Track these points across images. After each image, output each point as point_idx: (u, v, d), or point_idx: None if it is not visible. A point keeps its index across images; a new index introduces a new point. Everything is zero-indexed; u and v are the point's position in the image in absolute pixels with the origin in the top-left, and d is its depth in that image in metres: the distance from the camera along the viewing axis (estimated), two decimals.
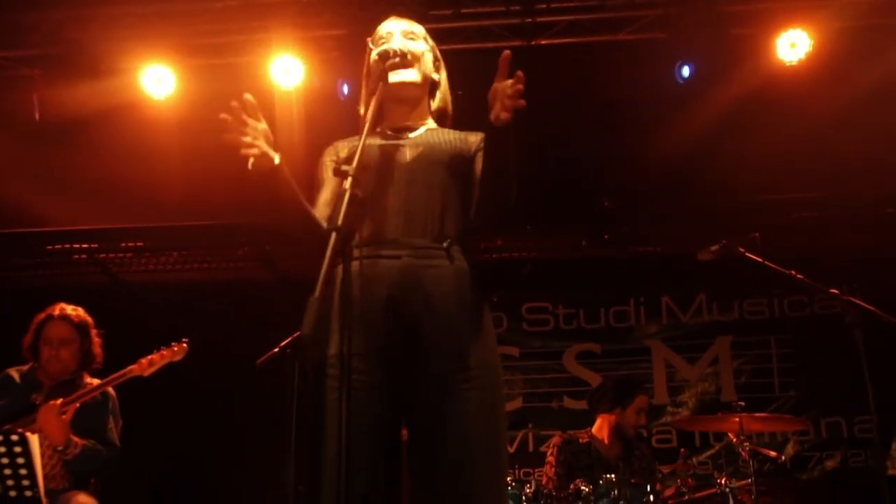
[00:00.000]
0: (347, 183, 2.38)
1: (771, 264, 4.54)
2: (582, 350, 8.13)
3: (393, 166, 2.85)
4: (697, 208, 7.24)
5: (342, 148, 3.01)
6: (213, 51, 6.67)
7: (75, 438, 4.48)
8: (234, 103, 2.69)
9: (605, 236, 7.88)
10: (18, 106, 6.68)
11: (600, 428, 6.00)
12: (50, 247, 8.09)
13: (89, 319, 4.90)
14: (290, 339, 4.53)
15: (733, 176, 6.82)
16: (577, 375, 8.01)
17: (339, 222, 2.31)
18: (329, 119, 6.50)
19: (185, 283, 8.29)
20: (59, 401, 4.46)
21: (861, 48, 6.33)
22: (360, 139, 2.57)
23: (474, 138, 2.94)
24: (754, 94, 6.47)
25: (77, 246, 8.10)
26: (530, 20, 6.51)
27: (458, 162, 2.88)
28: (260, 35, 6.52)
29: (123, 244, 8.11)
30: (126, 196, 7.10)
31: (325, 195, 2.93)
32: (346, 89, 6.49)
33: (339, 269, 2.57)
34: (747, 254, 4.61)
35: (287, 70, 6.52)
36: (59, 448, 4.42)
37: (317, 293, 2.19)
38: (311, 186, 2.99)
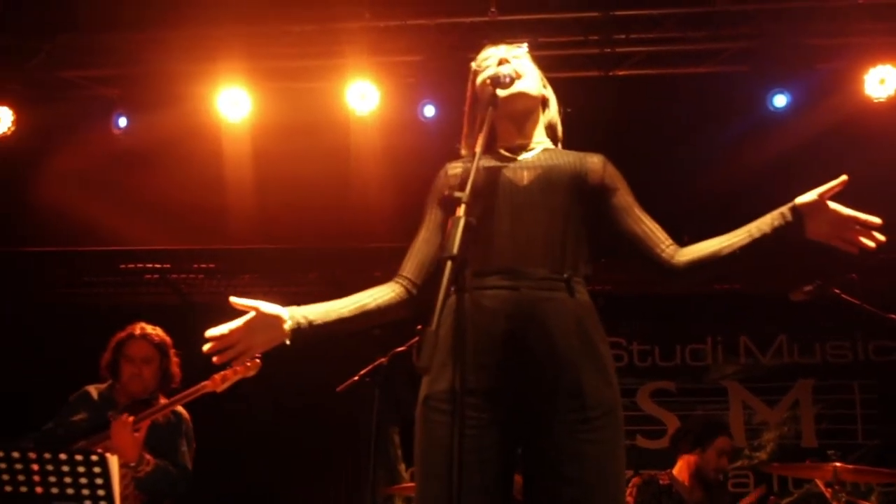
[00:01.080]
0: (461, 210, 2.28)
1: (870, 307, 4.40)
2: (656, 388, 7.98)
3: (510, 189, 2.73)
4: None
5: (454, 168, 2.91)
6: (290, 74, 6.74)
7: (147, 456, 4.50)
8: (212, 333, 2.60)
9: None
10: (97, 125, 6.78)
11: (681, 470, 5.85)
12: (123, 266, 8.21)
13: (168, 340, 4.94)
14: (371, 367, 4.59)
15: None
16: (651, 414, 7.85)
17: (455, 251, 2.19)
18: (404, 144, 6.61)
19: None
20: (132, 417, 4.52)
21: None
22: (473, 161, 2.49)
23: (594, 162, 2.82)
24: (841, 128, 6.33)
25: (150, 266, 8.22)
26: (609, 50, 6.47)
27: (578, 185, 2.75)
28: (336, 60, 6.57)
29: (195, 266, 8.21)
30: (199, 218, 7.20)
31: (424, 233, 2.85)
32: (428, 111, 6.48)
33: (453, 299, 2.40)
34: (843, 295, 4.47)
35: (363, 95, 6.55)
36: (132, 465, 4.42)
37: (433, 325, 2.10)
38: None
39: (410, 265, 2.81)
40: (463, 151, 2.95)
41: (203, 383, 4.66)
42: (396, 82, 6.62)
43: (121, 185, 7.06)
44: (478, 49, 5.95)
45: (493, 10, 6.23)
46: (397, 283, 2.80)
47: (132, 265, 8.22)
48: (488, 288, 2.60)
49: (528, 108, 2.88)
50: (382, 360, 4.65)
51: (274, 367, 4.85)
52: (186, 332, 6.82)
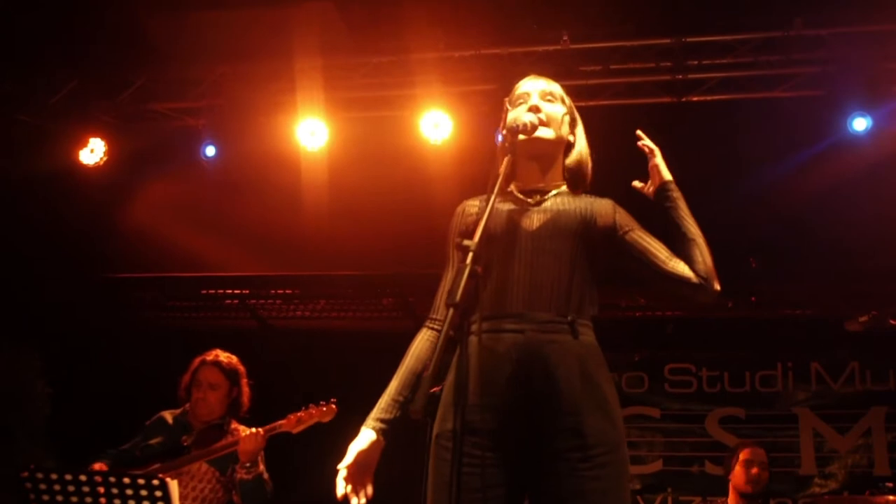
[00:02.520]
0: (469, 258, 2.35)
1: None
2: (725, 414, 7.76)
3: (520, 234, 2.76)
4: (849, 271, 6.91)
5: (471, 206, 2.94)
6: (365, 105, 6.79)
7: (261, 464, 4.57)
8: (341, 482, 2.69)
9: (752, 297, 7.57)
10: (184, 155, 6.91)
11: (733, 495, 5.81)
12: (204, 291, 8.32)
13: (241, 368, 4.95)
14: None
15: (888, 238, 6.49)
16: (720, 440, 7.62)
17: (458, 298, 2.28)
18: (479, 172, 6.45)
19: (332, 331, 8.38)
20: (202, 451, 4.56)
21: None
22: (487, 204, 2.52)
23: (604, 206, 2.86)
24: None
25: (230, 291, 8.31)
26: (681, 77, 6.35)
27: (586, 229, 2.78)
28: (410, 90, 6.58)
29: (273, 291, 8.27)
30: (278, 244, 7.27)
31: (449, 273, 2.89)
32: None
33: (460, 344, 2.50)
34: None
35: (436, 124, 6.52)
36: (247, 464, 4.49)
37: (429, 371, 2.25)
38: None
39: (442, 307, 2.84)
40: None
41: (279, 422, 4.69)
42: (470, 111, 6.57)
43: (205, 212, 7.18)
44: (549, 77, 5.93)
45: (565, 38, 6.20)
46: (431, 329, 2.87)
47: (213, 291, 8.32)
48: (497, 331, 2.65)
49: (545, 152, 2.91)
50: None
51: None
52: (265, 354, 6.91)
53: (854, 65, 6.02)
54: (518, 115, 2.88)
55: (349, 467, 2.66)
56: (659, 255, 2.80)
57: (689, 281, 2.77)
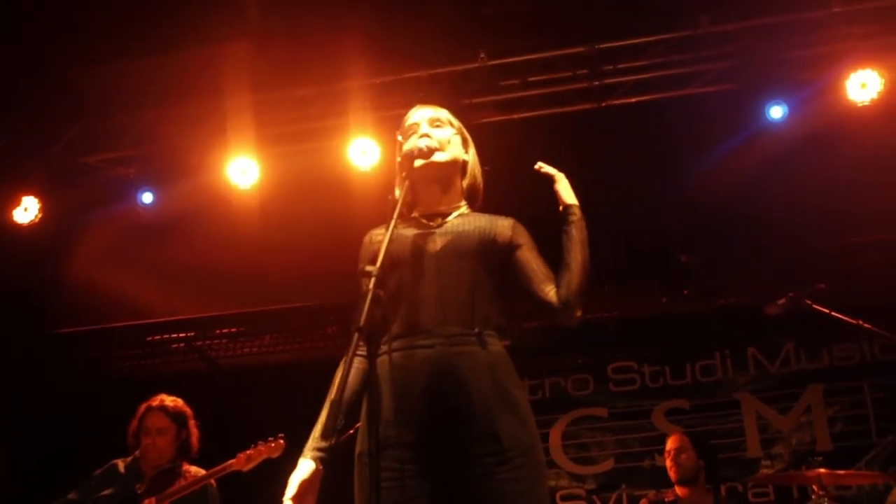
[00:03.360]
0: (371, 283, 2.43)
1: (838, 314, 4.40)
2: (670, 407, 7.83)
3: (424, 257, 2.83)
4: (775, 257, 7.03)
5: (377, 235, 3.00)
6: (294, 138, 6.75)
7: None
8: None
9: (685, 291, 7.66)
10: (120, 204, 6.88)
11: (677, 485, 5.93)
12: (150, 338, 8.24)
13: (187, 410, 4.96)
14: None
15: (811, 221, 6.68)
16: (668, 433, 7.48)
17: (361, 322, 2.37)
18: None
19: (280, 365, 8.32)
20: (153, 499, 4.50)
21: None
22: (389, 231, 2.60)
23: (505, 227, 2.95)
24: (824, 137, 6.32)
25: (175, 335, 8.25)
26: (598, 83, 6.41)
27: (485, 248, 2.86)
28: (336, 120, 6.61)
29: (219, 331, 8.22)
30: (220, 283, 7.22)
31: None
32: None
33: (373, 364, 2.67)
34: (815, 305, 4.49)
35: (364, 151, 6.52)
36: None
37: (333, 394, 2.35)
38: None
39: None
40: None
41: (229, 462, 4.69)
42: (396, 135, 6.55)
43: (146, 259, 7.10)
44: (470, 94, 5.97)
45: (482, 55, 6.28)
46: (357, 355, 2.86)
47: (158, 336, 8.25)
48: (409, 349, 2.70)
49: (442, 175, 2.98)
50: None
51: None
52: (216, 395, 6.87)
53: (762, 56, 6.15)
54: (412, 143, 2.97)
55: (293, 499, 2.64)
56: (536, 276, 2.87)
57: (550, 305, 2.83)
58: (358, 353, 2.86)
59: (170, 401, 4.92)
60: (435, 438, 2.63)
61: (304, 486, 2.66)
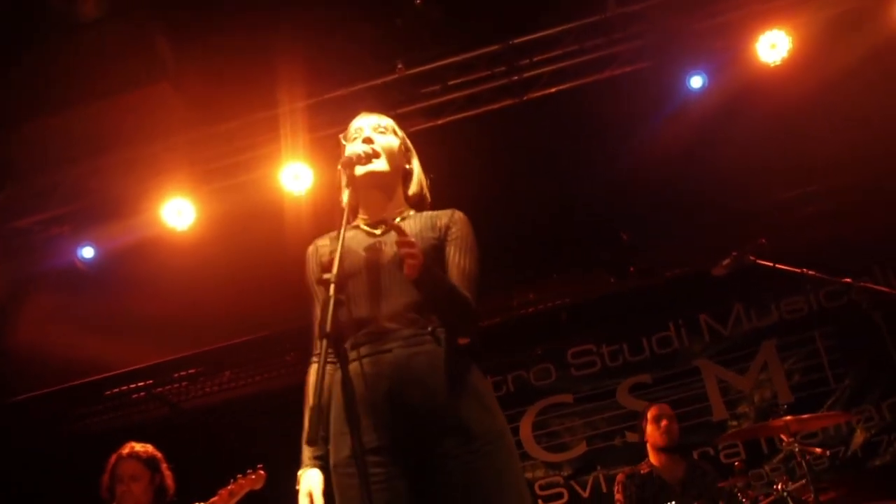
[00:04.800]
0: (331, 290, 2.47)
1: (782, 266, 4.52)
2: (633, 383, 8.01)
3: (371, 266, 2.88)
4: (713, 222, 7.16)
5: (322, 246, 3.07)
6: (225, 173, 6.68)
7: None
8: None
9: (630, 269, 7.78)
10: (57, 262, 6.78)
11: (652, 454, 6.05)
12: (108, 392, 8.15)
13: (158, 455, 4.95)
14: None
15: (741, 182, 6.83)
16: (634, 409, 7.81)
17: (328, 328, 2.40)
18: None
19: (244, 398, 8.33)
20: None
21: (838, 38, 6.24)
22: (338, 241, 2.63)
23: (443, 220, 3.00)
24: (743, 99, 6.44)
25: (134, 385, 8.17)
26: (517, 78, 6.42)
27: (428, 249, 2.90)
28: (263, 149, 6.55)
29: (177, 374, 8.16)
30: (171, 327, 7.16)
31: (318, 310, 2.97)
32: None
33: (338, 372, 2.70)
34: (758, 260, 4.60)
35: (296, 176, 6.49)
36: None
37: (311, 401, 2.36)
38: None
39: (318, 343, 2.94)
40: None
41: (211, 501, 4.67)
42: (326, 156, 6.52)
43: (92, 313, 7.01)
44: (394, 105, 5.96)
45: (400, 66, 6.29)
46: (317, 363, 2.93)
47: (117, 389, 8.16)
48: (365, 356, 2.76)
49: (383, 183, 3.04)
50: None
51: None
52: (182, 438, 6.80)
53: (673, 31, 6.21)
54: (353, 148, 3.04)
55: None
56: (451, 274, 2.92)
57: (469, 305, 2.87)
58: (317, 361, 2.93)
59: (140, 447, 4.92)
60: (408, 439, 2.69)
61: (321, 493, 2.75)
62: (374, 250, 2.92)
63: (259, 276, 6.86)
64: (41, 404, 8.10)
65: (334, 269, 2.53)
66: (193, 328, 7.26)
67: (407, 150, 3.17)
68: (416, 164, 3.19)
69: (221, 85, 6.31)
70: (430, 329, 2.80)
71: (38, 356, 7.20)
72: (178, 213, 6.62)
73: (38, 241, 6.84)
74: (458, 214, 3.05)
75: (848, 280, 4.30)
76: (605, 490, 7.64)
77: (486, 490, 2.64)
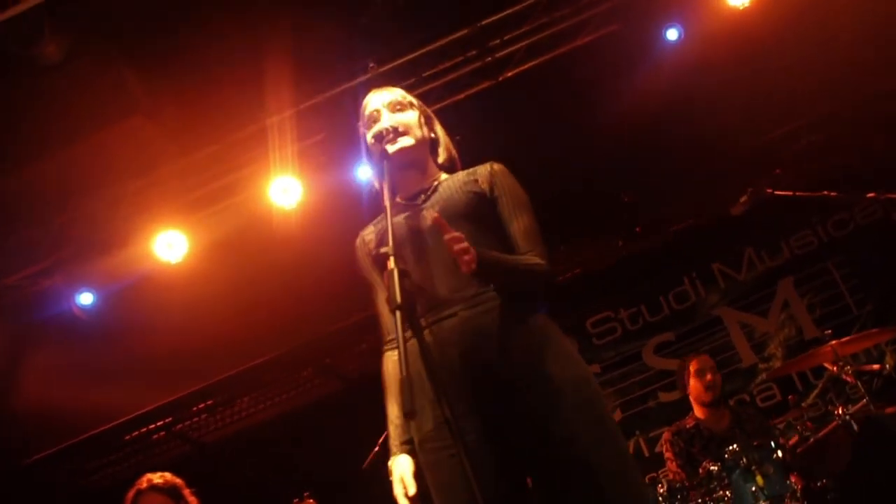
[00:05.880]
0: (391, 262, 2.45)
1: (803, 193, 4.56)
2: (657, 343, 8.07)
3: (420, 234, 2.85)
4: (713, 169, 7.19)
5: (368, 234, 3.04)
6: (212, 198, 6.68)
7: None
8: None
9: (637, 229, 7.86)
10: (54, 314, 6.75)
11: (696, 408, 6.07)
12: (127, 436, 8.11)
13: (178, 481, 4.85)
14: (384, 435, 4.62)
15: (733, 125, 6.87)
16: (663, 368, 7.91)
17: (399, 300, 2.37)
18: (341, 221, 6.46)
19: (265, 423, 8.32)
20: None
21: None
22: (385, 218, 2.63)
23: (482, 174, 2.97)
24: (720, 44, 6.46)
25: (153, 426, 8.14)
26: (490, 58, 6.45)
27: (475, 203, 2.89)
28: (249, 168, 6.56)
29: (195, 408, 8.16)
30: (180, 362, 7.14)
31: (381, 295, 2.95)
32: (361, 173, 6.40)
33: (412, 343, 2.60)
34: (776, 192, 4.63)
35: (285, 190, 6.48)
36: None
37: (404, 372, 2.27)
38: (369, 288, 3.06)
39: (390, 329, 2.97)
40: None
41: None
42: (311, 165, 6.58)
43: (98, 360, 6.98)
44: None
45: (372, 64, 6.31)
46: (391, 349, 2.96)
47: (136, 432, 8.12)
48: (435, 323, 2.73)
49: (414, 158, 3.03)
50: None
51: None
52: (210, 472, 6.80)
53: None
54: (375, 129, 3.02)
55: (415, 496, 2.76)
56: (513, 240, 2.87)
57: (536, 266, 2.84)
58: (391, 347, 2.94)
59: (158, 478, 4.79)
60: (492, 400, 2.64)
61: (414, 477, 2.77)
62: (416, 219, 2.90)
63: (260, 297, 6.89)
64: (58, 462, 8.06)
65: (389, 242, 2.51)
66: (202, 359, 7.25)
67: (428, 118, 3.15)
68: (439, 131, 3.17)
69: (196, 109, 6.27)
70: (491, 287, 2.75)
71: (49, 413, 7.14)
72: (169, 245, 6.58)
73: (32, 296, 6.78)
74: (497, 166, 3.02)
75: (872, 194, 4.31)
76: (647, 454, 7.68)
77: (585, 443, 2.58)
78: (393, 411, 2.90)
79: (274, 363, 7.87)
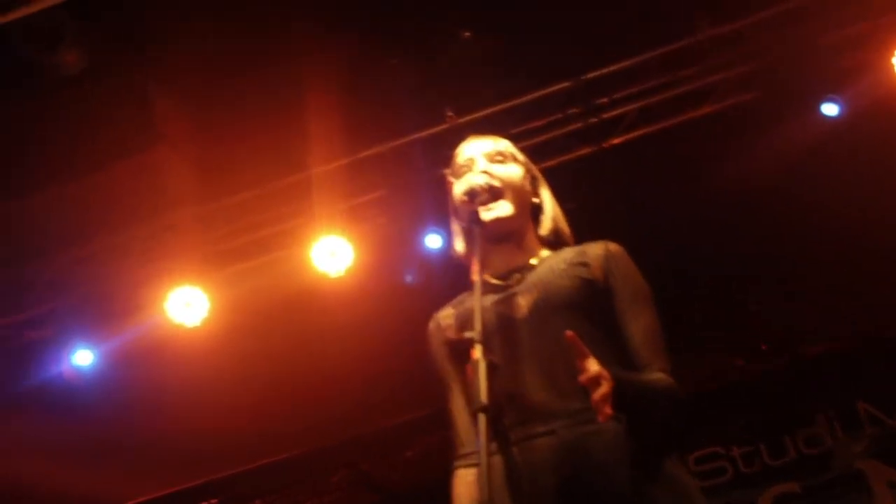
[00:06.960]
0: (478, 351, 2.23)
1: None
2: (779, 494, 7.04)
3: (512, 325, 2.56)
4: (870, 279, 6.52)
5: (446, 317, 2.77)
6: (241, 254, 6.35)
7: None
8: None
9: (763, 346, 7.23)
10: (41, 375, 6.38)
11: None
12: None
13: None
14: None
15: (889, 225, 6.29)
16: None
17: (485, 399, 2.13)
18: (395, 299, 6.14)
19: None
20: None
21: None
22: (471, 297, 2.49)
23: (597, 254, 2.65)
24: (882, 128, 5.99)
25: None
26: (595, 119, 6.06)
27: (583, 292, 2.58)
28: (290, 222, 6.23)
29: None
30: (183, 447, 6.82)
31: (456, 398, 2.68)
32: (431, 241, 6.05)
33: (496, 459, 2.41)
34: None
35: (332, 253, 6.00)
36: None
37: (486, 497, 2.04)
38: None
39: (467, 439, 2.65)
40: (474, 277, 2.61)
41: None
42: (367, 227, 6.20)
43: (86, 438, 6.67)
44: (445, 162, 5.45)
45: (450, 114, 5.98)
46: (465, 467, 2.61)
47: None
48: (527, 439, 2.44)
49: (510, 230, 2.74)
50: None
51: None
52: None
53: (785, 51, 5.80)
54: (467, 181, 2.72)
55: None
56: (631, 342, 2.55)
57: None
58: (465, 464, 2.61)
59: None
60: None
61: None
62: (508, 305, 2.61)
63: (288, 378, 6.70)
64: None
65: (476, 326, 2.26)
66: (211, 448, 6.87)
67: (533, 178, 2.85)
68: (546, 195, 2.85)
69: (230, 146, 5.99)
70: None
71: (18, 498, 6.77)
72: (186, 304, 6.13)
73: (14, 349, 6.39)
74: (614, 247, 2.69)
75: None
76: None
77: None
78: None
79: (297, 462, 7.37)
